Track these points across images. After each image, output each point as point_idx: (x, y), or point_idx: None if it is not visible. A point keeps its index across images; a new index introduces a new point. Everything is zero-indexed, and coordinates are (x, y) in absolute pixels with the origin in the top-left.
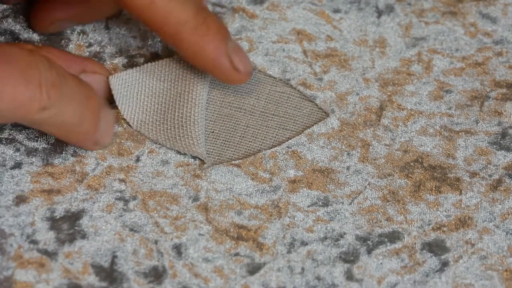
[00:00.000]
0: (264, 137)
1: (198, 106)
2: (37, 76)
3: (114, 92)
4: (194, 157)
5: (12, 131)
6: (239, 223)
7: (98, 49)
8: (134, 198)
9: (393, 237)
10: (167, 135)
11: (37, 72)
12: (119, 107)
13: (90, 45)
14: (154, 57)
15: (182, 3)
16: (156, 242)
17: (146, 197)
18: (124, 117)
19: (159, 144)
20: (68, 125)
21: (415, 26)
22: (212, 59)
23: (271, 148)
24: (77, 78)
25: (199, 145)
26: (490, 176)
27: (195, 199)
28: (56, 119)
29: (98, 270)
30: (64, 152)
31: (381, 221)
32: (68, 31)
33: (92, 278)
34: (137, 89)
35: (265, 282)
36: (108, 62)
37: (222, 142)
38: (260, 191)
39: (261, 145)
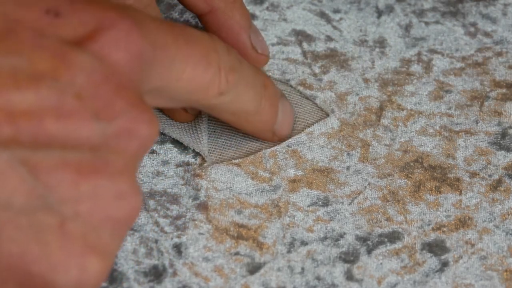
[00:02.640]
0: None
1: None
2: (217, 59)
3: None
4: (195, 157)
5: None
6: (239, 222)
7: None
8: None
9: (393, 237)
10: (173, 127)
11: (217, 56)
12: None
13: None
14: None
15: None
16: (156, 241)
17: (146, 197)
18: None
19: (166, 133)
20: (245, 113)
21: (415, 26)
22: (236, 33)
23: (272, 146)
24: (253, 66)
25: (201, 143)
26: (490, 176)
27: (195, 198)
28: (233, 105)
29: None
30: None
31: (381, 221)
32: None
33: None
34: None
35: (265, 281)
36: None
37: (223, 142)
38: (260, 190)
39: (262, 144)
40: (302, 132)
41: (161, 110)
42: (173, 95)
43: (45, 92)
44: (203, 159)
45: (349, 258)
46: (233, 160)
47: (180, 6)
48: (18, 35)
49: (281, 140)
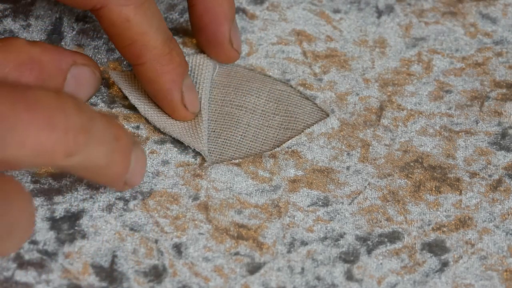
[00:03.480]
0: (265, 136)
1: (203, 103)
2: (63, 120)
3: (117, 83)
4: (195, 157)
5: None
6: (239, 222)
7: (98, 48)
8: (134, 198)
9: (393, 237)
10: (174, 126)
11: (64, 117)
12: (125, 93)
13: (90, 45)
14: None
15: (156, 29)
16: (156, 241)
17: (146, 197)
18: (132, 102)
19: (166, 133)
20: (95, 169)
21: (415, 26)
22: (166, 89)
23: (272, 147)
24: (105, 117)
25: (201, 143)
26: (490, 176)
27: (195, 198)
28: (83, 164)
29: (98, 270)
30: None
31: (381, 221)
32: (68, 31)
33: (92, 278)
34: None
35: (265, 281)
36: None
37: (223, 141)
38: (260, 190)
39: (262, 144)
40: (302, 133)
41: (162, 109)
42: (17, 162)
43: None
44: (203, 159)
45: (349, 258)
46: (233, 160)
47: (180, 6)
48: None
49: (131, 188)
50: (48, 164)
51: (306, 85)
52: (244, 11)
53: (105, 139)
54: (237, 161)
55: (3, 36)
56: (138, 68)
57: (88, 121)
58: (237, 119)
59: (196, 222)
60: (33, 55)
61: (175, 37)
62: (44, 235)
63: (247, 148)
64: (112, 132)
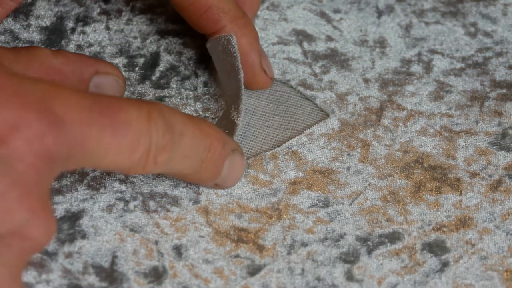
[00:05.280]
0: (265, 136)
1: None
2: (147, 144)
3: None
4: None
5: None
6: (239, 225)
7: (98, 49)
8: (135, 198)
9: (394, 237)
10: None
11: (148, 140)
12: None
13: (90, 45)
14: (154, 57)
15: None
16: (156, 242)
17: (146, 198)
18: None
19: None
20: (180, 175)
21: (415, 26)
22: (246, 52)
23: (272, 148)
24: (199, 130)
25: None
26: (490, 176)
27: (196, 201)
28: (165, 172)
29: (98, 270)
30: None
31: (381, 222)
32: (68, 31)
33: (92, 278)
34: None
35: (265, 283)
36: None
37: None
38: (261, 195)
39: (262, 144)
40: (302, 134)
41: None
42: (92, 168)
43: None
44: None
45: (350, 258)
46: None
47: None
48: None
49: (222, 189)
50: (124, 173)
51: (306, 85)
52: None
53: (192, 153)
54: None
55: (3, 37)
56: (218, 33)
57: (175, 139)
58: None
59: (196, 224)
60: (55, 65)
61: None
62: None
63: (247, 148)
64: (203, 144)
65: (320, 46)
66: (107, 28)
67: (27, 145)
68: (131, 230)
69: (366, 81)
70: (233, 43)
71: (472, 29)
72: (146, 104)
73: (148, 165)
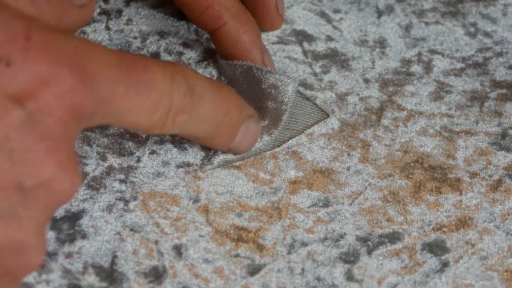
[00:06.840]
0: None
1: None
2: (168, 104)
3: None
4: (195, 157)
5: None
6: (239, 224)
7: None
8: (135, 198)
9: (394, 237)
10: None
11: (169, 101)
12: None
13: None
14: (154, 57)
15: None
16: (156, 242)
17: (146, 197)
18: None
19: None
20: (195, 138)
21: (415, 27)
22: (248, 49)
23: (272, 148)
24: (219, 94)
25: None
26: (490, 176)
27: (196, 200)
28: (181, 133)
29: (98, 270)
30: None
31: (381, 222)
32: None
33: (92, 278)
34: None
35: (265, 283)
36: None
37: None
38: (261, 193)
39: (262, 144)
40: (302, 133)
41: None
42: (113, 125)
43: None
44: (203, 160)
45: (350, 258)
46: (233, 163)
47: None
48: None
49: (236, 153)
50: (143, 132)
51: (307, 85)
52: None
53: (209, 116)
54: (237, 163)
55: None
56: (218, 31)
57: (194, 102)
58: None
59: (196, 224)
60: None
61: (180, 39)
62: None
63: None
64: (221, 109)
65: (320, 46)
66: (107, 28)
67: (57, 100)
68: (131, 230)
69: (366, 81)
70: (289, 91)
71: (472, 29)
72: (171, 65)
73: (167, 125)
